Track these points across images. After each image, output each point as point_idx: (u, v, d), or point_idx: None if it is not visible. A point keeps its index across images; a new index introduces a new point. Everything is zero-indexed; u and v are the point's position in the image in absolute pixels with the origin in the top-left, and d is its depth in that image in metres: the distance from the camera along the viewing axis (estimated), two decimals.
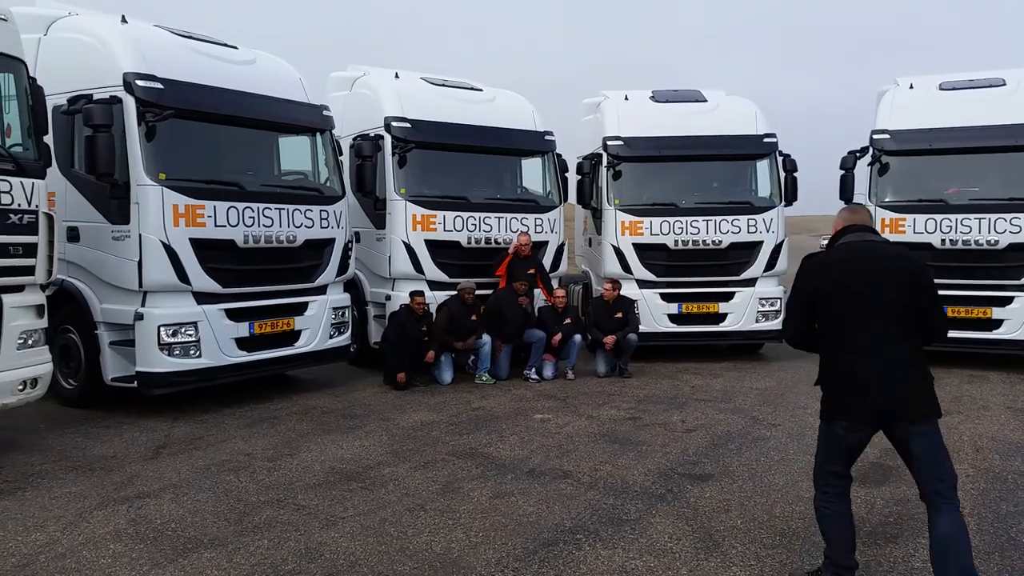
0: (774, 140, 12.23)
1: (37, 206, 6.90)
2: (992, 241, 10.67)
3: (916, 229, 11.06)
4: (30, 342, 6.91)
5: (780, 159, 12.21)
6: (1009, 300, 10.74)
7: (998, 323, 10.80)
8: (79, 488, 6.00)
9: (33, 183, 6.89)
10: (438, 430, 7.82)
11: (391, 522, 5.33)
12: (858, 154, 11.84)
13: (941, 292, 11.87)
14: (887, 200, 11.43)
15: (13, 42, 7.00)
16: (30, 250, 6.88)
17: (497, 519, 5.39)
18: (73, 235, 8.28)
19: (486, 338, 10.27)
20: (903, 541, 5.05)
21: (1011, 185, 11.00)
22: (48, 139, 7.30)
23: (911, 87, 12.07)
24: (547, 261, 11.37)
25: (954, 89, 11.71)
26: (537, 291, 10.96)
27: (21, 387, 6.79)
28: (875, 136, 11.57)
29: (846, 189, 11.92)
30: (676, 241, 11.66)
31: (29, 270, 6.90)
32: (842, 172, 11.90)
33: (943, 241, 10.90)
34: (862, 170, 11.75)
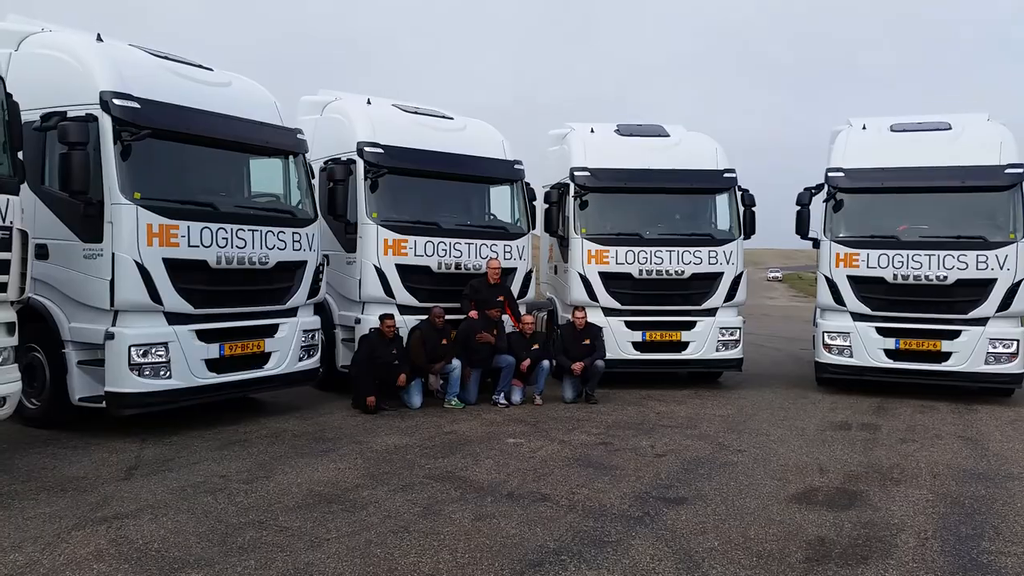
0: (734, 176, 12.62)
1: (11, 222, 6.81)
2: (941, 276, 11.15)
3: (869, 264, 11.52)
4: None
5: (739, 194, 12.60)
6: (957, 333, 11.21)
7: (947, 355, 11.25)
8: (53, 509, 5.90)
9: (7, 199, 6.79)
10: (412, 453, 7.86)
11: (376, 543, 5.36)
12: (813, 191, 12.30)
13: (893, 325, 12.17)
14: (841, 235, 11.86)
15: None
16: (2, 267, 6.77)
17: (481, 540, 5.46)
18: (42, 252, 8.11)
19: (456, 363, 10.35)
20: (873, 562, 5.27)
21: (958, 223, 11.53)
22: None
23: (864, 128, 12.59)
24: (515, 288, 11.53)
25: (904, 131, 12.27)
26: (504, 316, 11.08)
27: None
28: (830, 174, 12.02)
29: (802, 224, 12.38)
30: (640, 270, 11.92)
31: (1, 287, 6.79)
32: (798, 208, 12.36)
33: (895, 276, 11.35)
34: (817, 206, 12.20)
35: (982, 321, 11.15)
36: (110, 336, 7.91)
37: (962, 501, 6.65)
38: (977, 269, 11.07)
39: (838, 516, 6.18)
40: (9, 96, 7.07)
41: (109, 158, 7.93)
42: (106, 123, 7.94)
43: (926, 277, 11.22)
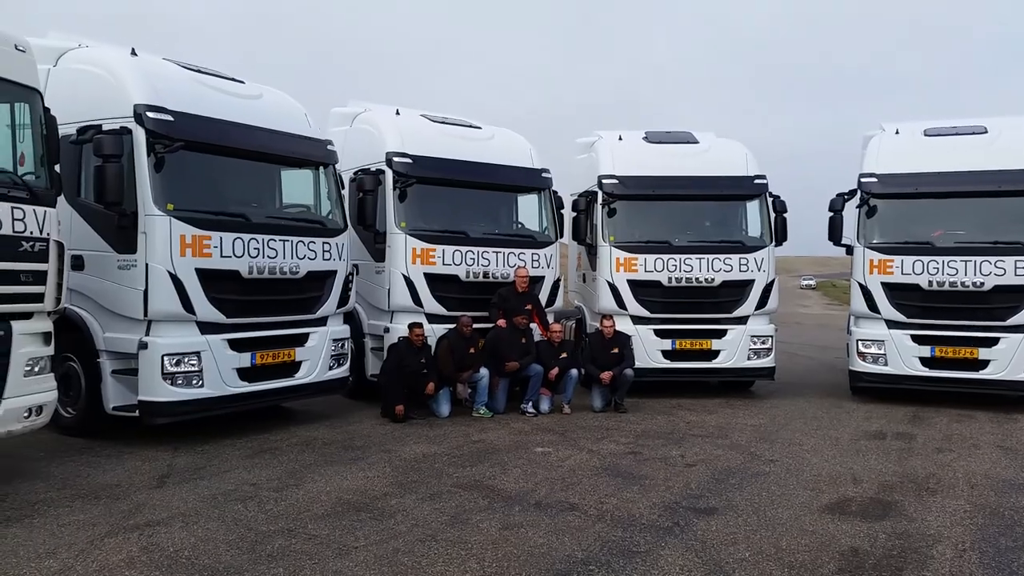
0: (764, 182, 12.50)
1: (48, 234, 6.96)
2: (978, 283, 10.93)
3: (904, 270, 11.32)
4: (36, 369, 6.91)
5: (770, 200, 12.47)
6: (995, 341, 10.96)
7: (985, 363, 11.02)
8: (87, 516, 5.99)
9: (45, 211, 6.95)
10: (440, 462, 7.86)
11: (404, 552, 5.36)
12: (846, 196, 12.12)
13: (929, 332, 11.90)
14: (875, 242, 11.68)
15: (30, 73, 7.11)
16: (40, 277, 6.91)
17: (509, 550, 5.45)
18: (78, 263, 8.27)
19: (484, 371, 10.35)
20: (908, 574, 5.17)
21: (995, 229, 11.29)
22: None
23: (897, 132, 12.40)
24: (543, 296, 11.52)
25: (939, 135, 12.06)
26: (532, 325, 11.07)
27: (27, 414, 6.78)
28: (863, 179, 11.84)
29: (834, 230, 12.20)
30: (670, 278, 11.84)
31: (38, 297, 6.93)
32: (831, 214, 12.18)
33: (930, 282, 11.14)
34: (850, 212, 12.04)
35: (1022, 328, 10.91)
36: (143, 345, 8.03)
37: (1001, 512, 6.50)
38: (1015, 275, 10.82)
39: (872, 527, 6.06)
40: (47, 110, 7.23)
41: (143, 170, 8.06)
42: (140, 136, 8.08)
43: (962, 284, 11.00)
